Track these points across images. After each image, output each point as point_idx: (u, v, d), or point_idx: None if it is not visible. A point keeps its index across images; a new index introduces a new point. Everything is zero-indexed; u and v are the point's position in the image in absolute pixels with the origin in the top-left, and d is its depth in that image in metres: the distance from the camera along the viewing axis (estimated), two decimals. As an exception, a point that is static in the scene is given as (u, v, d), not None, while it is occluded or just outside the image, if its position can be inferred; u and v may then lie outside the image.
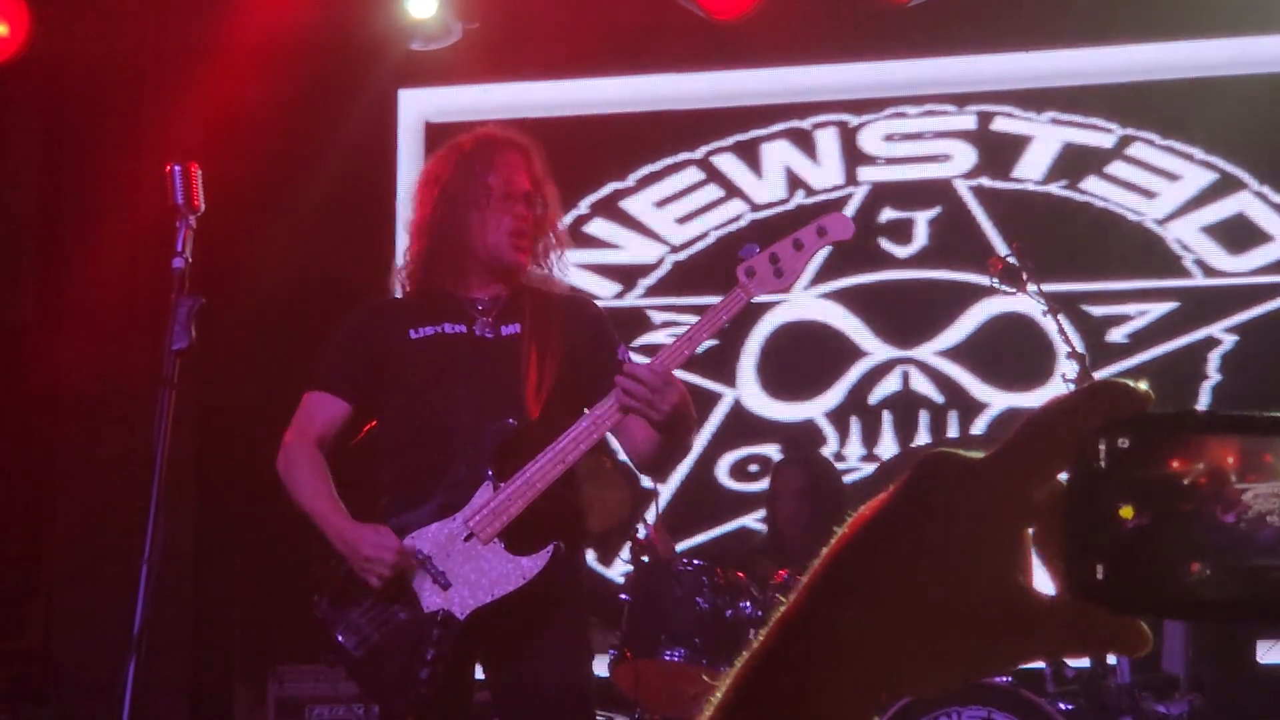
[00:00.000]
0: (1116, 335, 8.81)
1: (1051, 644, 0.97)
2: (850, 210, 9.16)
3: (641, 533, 7.23)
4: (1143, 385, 0.97)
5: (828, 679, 0.95)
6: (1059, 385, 7.15)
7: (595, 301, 5.52)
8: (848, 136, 9.32)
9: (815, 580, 0.98)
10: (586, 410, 4.87)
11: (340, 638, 4.81)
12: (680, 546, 8.58)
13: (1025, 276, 6.83)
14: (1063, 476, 0.96)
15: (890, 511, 0.98)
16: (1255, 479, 0.94)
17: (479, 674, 4.98)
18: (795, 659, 0.96)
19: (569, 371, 5.01)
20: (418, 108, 9.61)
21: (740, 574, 6.65)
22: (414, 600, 4.74)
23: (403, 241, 5.34)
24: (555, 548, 4.73)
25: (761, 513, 8.23)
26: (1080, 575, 0.95)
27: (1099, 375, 6.99)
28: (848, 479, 8.42)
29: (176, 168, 4.63)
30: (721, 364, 9.08)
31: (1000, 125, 9.19)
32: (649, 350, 9.07)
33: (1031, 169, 9.10)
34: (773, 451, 8.89)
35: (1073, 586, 0.95)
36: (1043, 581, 0.98)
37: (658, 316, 9.22)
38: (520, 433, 4.81)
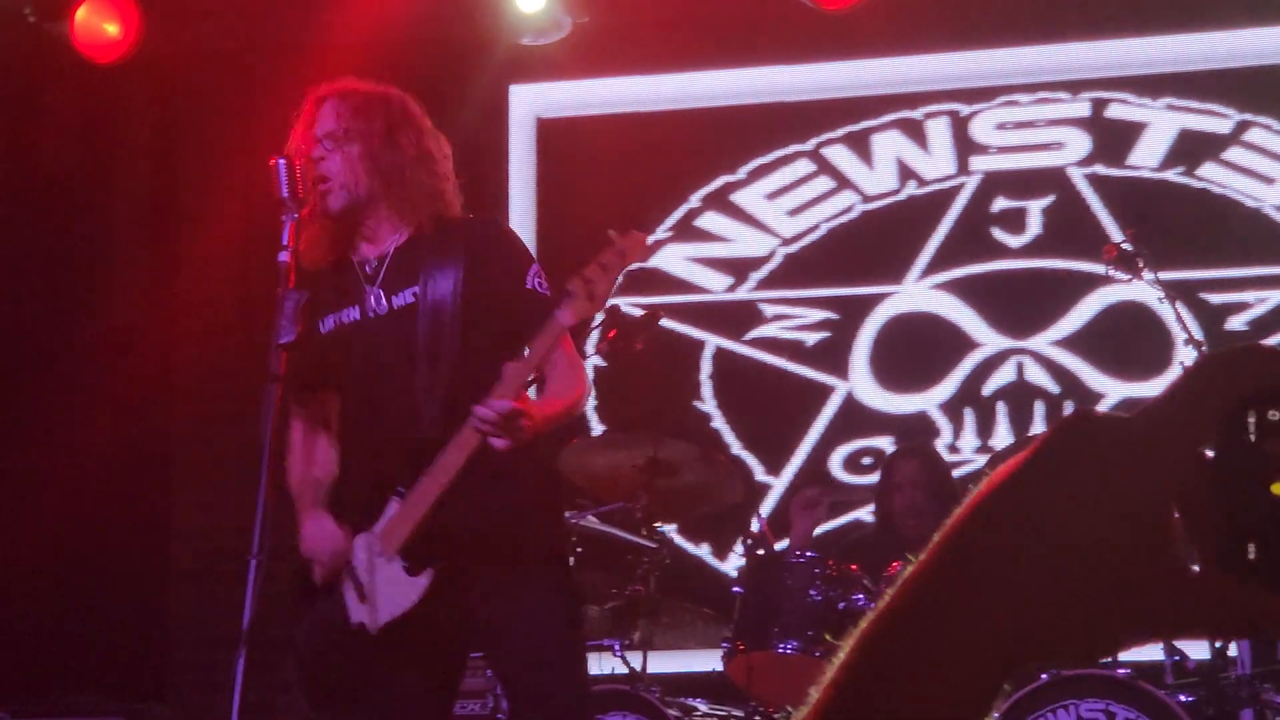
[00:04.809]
0: (1235, 323, 8.69)
1: (1198, 618, 0.93)
2: (962, 200, 9.11)
3: (755, 526, 7.21)
4: None
5: (958, 641, 0.92)
6: (1177, 374, 7.04)
7: (497, 224, 5.28)
8: (959, 125, 9.25)
9: (947, 538, 0.95)
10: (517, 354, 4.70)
11: (299, 634, 4.81)
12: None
13: (1141, 264, 6.76)
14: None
15: (1032, 467, 0.94)
16: None
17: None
18: (924, 620, 0.93)
19: (478, 328, 4.78)
20: (529, 103, 9.62)
21: (853, 566, 6.62)
22: (344, 609, 4.72)
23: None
24: (436, 569, 4.63)
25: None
26: (1232, 553, 0.91)
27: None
28: (960, 471, 8.37)
29: (281, 161, 4.63)
30: (834, 357, 9.04)
31: (1115, 112, 9.09)
32: (761, 344, 9.08)
33: (1147, 156, 9.00)
34: (886, 444, 8.83)
35: (1224, 564, 0.91)
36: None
37: (769, 310, 9.19)
38: (425, 441, 4.67)
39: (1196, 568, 0.92)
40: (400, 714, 4.78)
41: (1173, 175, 8.94)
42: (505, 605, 4.70)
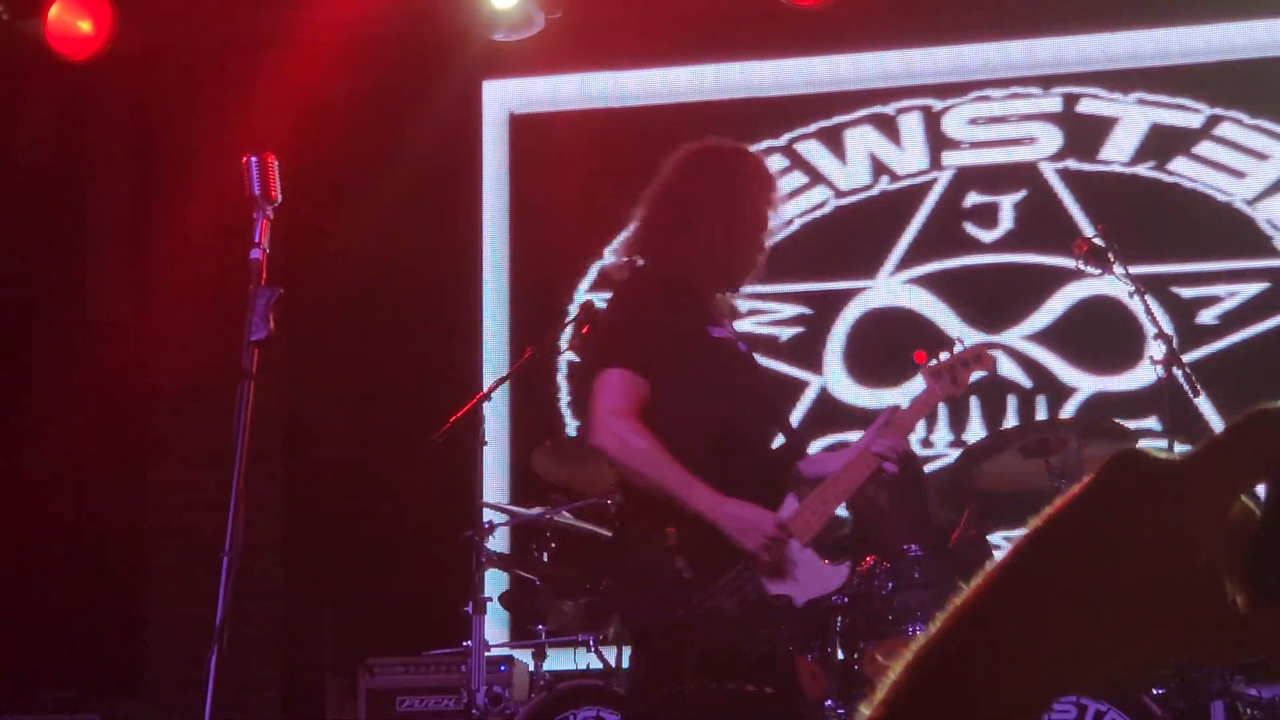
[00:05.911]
0: (1207, 317, 8.72)
1: (1242, 650, 0.94)
2: (935, 195, 9.13)
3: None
4: None
5: (1002, 675, 0.94)
6: (1147, 368, 7.09)
7: None
8: (932, 121, 9.27)
9: (997, 573, 0.97)
10: None
11: (707, 600, 4.90)
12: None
13: (1112, 258, 6.78)
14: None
15: (1083, 507, 0.96)
16: None
17: None
18: (968, 653, 0.95)
19: None
20: (502, 98, 9.63)
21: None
22: (757, 583, 4.91)
23: (700, 223, 5.38)
24: (850, 562, 5.14)
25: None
26: (1277, 590, 0.92)
27: (1189, 358, 6.92)
28: (933, 466, 8.39)
29: (253, 159, 4.63)
30: (808, 352, 9.06)
31: (1086, 107, 9.12)
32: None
33: (1118, 150, 9.03)
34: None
35: (1273, 598, 0.92)
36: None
37: (743, 304, 9.15)
38: (785, 457, 5.30)
39: (1241, 604, 0.94)
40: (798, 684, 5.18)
41: (1144, 170, 8.97)
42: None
